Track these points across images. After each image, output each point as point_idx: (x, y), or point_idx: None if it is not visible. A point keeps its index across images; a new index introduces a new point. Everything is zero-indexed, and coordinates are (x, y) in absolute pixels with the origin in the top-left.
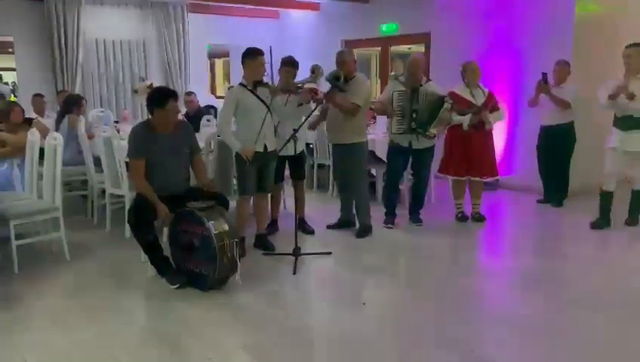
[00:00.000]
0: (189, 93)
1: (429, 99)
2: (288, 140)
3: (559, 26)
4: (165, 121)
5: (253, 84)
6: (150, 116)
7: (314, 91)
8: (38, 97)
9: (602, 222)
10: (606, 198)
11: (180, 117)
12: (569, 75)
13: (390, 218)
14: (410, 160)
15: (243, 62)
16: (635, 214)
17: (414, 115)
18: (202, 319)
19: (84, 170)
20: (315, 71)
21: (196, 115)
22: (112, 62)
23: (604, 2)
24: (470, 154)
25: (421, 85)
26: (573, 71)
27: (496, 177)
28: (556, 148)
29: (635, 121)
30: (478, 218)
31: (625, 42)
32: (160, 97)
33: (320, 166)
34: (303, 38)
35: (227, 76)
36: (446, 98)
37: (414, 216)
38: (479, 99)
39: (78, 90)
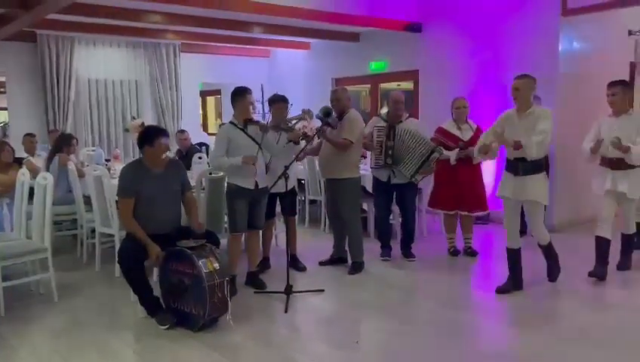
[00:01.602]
0: (182, 132)
1: (410, 139)
2: (279, 178)
3: (545, 64)
4: (156, 159)
5: (244, 122)
6: (141, 155)
7: (304, 131)
8: (28, 137)
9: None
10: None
11: (172, 155)
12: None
13: (386, 250)
14: (396, 194)
15: (232, 102)
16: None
17: (390, 152)
18: (192, 360)
19: (74, 210)
20: (306, 114)
21: (188, 153)
22: (104, 101)
23: (587, 42)
24: (458, 189)
25: (401, 121)
26: (560, 108)
27: (486, 211)
28: None
29: (529, 164)
30: (470, 252)
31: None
32: (150, 135)
33: (312, 201)
34: (294, 76)
35: (219, 114)
36: (437, 148)
37: (406, 252)
38: (467, 135)
39: (69, 129)
